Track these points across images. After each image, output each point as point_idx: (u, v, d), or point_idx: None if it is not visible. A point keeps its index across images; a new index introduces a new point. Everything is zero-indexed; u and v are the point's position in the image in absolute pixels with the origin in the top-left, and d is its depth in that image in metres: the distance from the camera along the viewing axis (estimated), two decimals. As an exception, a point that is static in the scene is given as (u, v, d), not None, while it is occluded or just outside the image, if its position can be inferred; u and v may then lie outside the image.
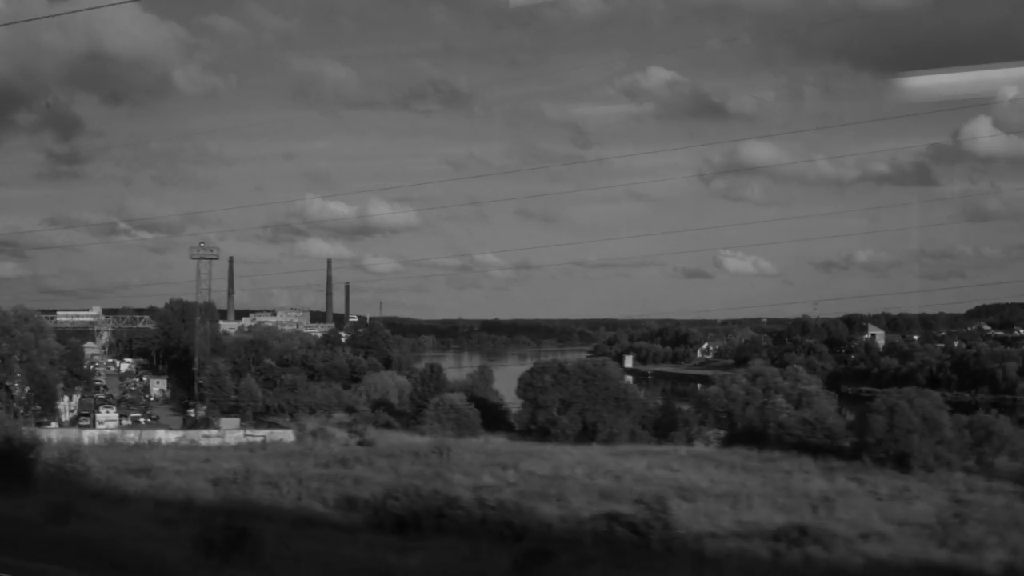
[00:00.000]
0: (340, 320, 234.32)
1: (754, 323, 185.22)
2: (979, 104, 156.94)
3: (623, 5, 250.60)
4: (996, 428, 42.25)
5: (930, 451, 40.34)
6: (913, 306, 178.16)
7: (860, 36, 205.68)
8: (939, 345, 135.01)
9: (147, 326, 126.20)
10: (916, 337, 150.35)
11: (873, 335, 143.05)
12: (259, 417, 61.48)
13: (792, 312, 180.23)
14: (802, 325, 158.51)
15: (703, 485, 35.05)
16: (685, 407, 61.24)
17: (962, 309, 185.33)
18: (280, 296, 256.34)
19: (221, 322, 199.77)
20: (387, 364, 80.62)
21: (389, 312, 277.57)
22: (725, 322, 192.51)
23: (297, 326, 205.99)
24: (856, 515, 31.24)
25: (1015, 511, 31.00)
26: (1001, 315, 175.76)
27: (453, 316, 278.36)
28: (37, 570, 11.87)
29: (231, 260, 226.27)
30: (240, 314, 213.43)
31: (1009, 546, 26.55)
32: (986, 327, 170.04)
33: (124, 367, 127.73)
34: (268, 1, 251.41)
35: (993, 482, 36.76)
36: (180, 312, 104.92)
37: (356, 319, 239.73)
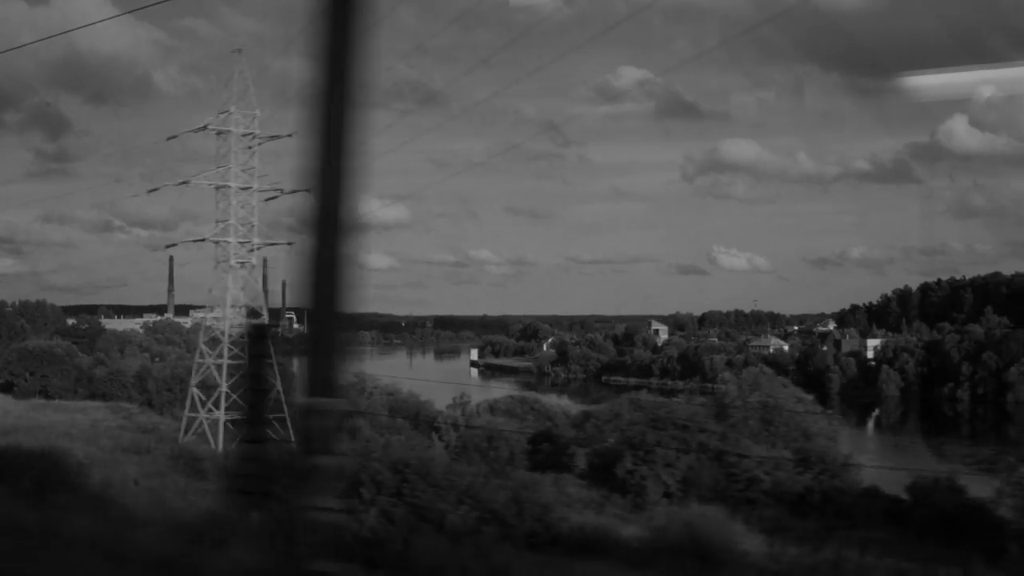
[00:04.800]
0: (276, 315, 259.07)
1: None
2: (954, 105, 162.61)
3: (588, 8, 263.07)
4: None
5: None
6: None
7: (826, 37, 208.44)
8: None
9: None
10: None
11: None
12: None
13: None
14: (647, 322, 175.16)
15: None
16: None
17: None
18: (278, 293, 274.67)
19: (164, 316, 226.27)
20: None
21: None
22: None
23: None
24: None
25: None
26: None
27: (405, 313, 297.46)
28: None
29: (171, 259, 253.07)
30: (180, 309, 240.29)
31: None
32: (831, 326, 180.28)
33: None
34: (239, 4, 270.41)
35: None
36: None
37: (291, 315, 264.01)
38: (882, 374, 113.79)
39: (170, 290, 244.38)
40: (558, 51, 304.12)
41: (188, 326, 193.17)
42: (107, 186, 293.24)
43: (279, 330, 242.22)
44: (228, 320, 42.23)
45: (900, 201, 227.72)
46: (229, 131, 40.12)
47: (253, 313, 44.64)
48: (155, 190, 45.07)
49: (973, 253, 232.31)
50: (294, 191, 45.87)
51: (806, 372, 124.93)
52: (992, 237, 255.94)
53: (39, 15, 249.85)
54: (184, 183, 41.20)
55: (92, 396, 70.16)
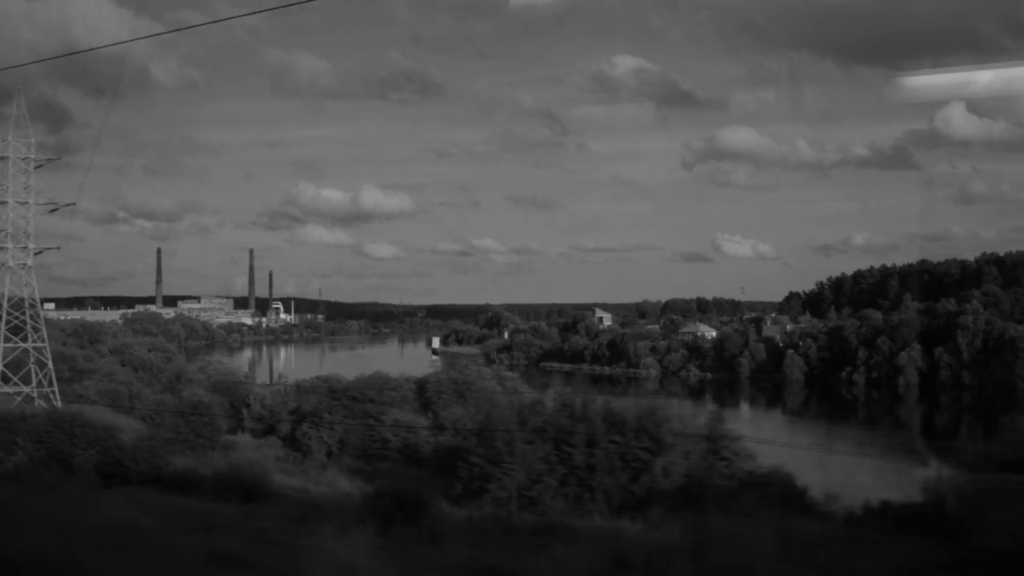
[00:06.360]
0: (263, 305, 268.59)
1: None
2: (947, 101, 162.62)
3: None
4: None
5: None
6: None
7: (820, 25, 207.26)
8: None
9: None
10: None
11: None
12: None
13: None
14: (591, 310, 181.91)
15: None
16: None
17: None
18: (286, 283, 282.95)
19: (146, 308, 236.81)
20: None
21: (331, 297, 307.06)
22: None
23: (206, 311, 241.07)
24: None
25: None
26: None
27: (409, 302, 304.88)
28: None
29: (159, 251, 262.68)
30: (168, 300, 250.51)
31: None
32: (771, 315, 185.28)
33: None
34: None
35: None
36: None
37: (278, 304, 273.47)
38: (787, 359, 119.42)
39: (158, 281, 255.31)
40: (553, 40, 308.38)
41: (169, 316, 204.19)
42: (109, 178, 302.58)
43: (264, 319, 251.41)
44: (4, 309, 50.12)
45: (901, 187, 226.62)
46: (8, 156, 48.34)
47: (31, 306, 52.41)
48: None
49: (976, 239, 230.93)
50: (67, 204, 54.52)
51: (721, 357, 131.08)
52: (994, 223, 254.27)
53: (36, 10, 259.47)
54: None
55: (4, 379, 78.92)
